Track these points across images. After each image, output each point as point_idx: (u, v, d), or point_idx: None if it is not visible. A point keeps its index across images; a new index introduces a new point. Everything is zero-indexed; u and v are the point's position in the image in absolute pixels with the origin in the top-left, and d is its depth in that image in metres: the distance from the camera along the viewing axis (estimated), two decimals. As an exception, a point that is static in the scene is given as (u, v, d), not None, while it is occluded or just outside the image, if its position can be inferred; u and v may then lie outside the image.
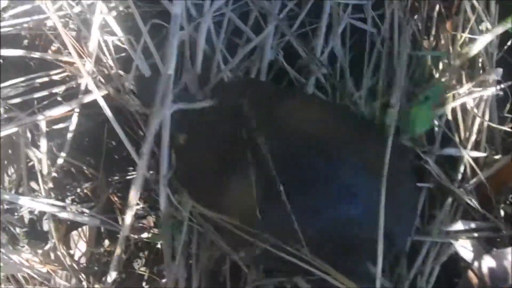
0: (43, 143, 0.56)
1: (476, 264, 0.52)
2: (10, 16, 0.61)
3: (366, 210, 0.46)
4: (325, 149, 0.47)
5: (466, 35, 0.53)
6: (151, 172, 0.58)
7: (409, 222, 0.50)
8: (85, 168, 0.64)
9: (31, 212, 0.64)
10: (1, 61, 0.66)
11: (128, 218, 0.50)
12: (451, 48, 0.57)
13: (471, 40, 0.55)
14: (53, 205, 0.53)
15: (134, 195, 0.49)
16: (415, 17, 0.60)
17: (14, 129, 0.53)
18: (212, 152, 0.50)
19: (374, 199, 0.46)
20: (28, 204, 0.51)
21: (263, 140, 0.46)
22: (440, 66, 0.57)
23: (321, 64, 0.57)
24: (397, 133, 0.52)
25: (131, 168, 0.64)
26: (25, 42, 0.69)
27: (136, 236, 0.60)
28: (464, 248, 0.52)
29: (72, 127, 0.59)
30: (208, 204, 0.50)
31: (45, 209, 0.52)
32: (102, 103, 0.54)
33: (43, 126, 0.55)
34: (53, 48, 0.68)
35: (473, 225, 0.53)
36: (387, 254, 0.48)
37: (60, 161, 0.61)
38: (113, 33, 0.60)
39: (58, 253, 0.59)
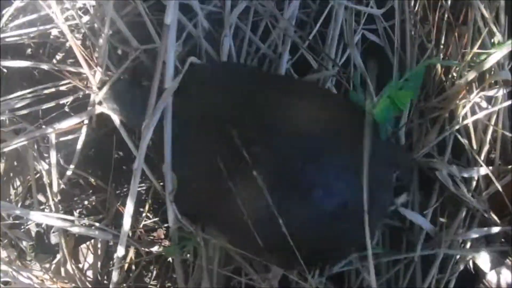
0: (53, 155, 0.55)
1: (490, 275, 0.52)
2: (15, 26, 0.59)
3: (344, 201, 0.45)
4: (307, 141, 0.46)
5: (475, 50, 0.53)
6: (161, 183, 0.58)
7: (382, 206, 0.49)
8: (92, 179, 0.63)
9: (38, 225, 0.63)
10: (5, 71, 0.64)
11: (123, 238, 0.49)
12: (460, 57, 0.57)
13: (482, 50, 0.55)
14: (63, 219, 0.51)
15: (128, 214, 0.49)
16: (425, 27, 0.60)
17: (24, 142, 0.52)
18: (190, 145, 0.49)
19: (353, 190, 0.45)
20: (39, 219, 0.50)
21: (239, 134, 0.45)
22: (450, 75, 0.57)
23: (335, 64, 0.56)
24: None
25: (140, 179, 0.63)
26: (29, 51, 0.68)
27: (146, 249, 0.59)
28: (479, 259, 0.52)
29: (81, 139, 0.58)
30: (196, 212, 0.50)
31: (56, 224, 0.51)
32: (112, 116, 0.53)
33: (52, 138, 0.54)
34: (57, 57, 0.67)
35: (487, 234, 0.53)
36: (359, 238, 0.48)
37: (68, 173, 0.60)
38: (122, 42, 0.59)
39: (68, 267, 0.58)
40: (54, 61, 0.66)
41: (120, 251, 0.48)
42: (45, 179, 0.57)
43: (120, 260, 0.47)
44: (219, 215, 0.48)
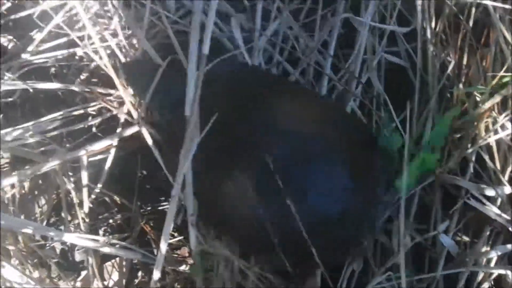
0: (84, 176, 0.56)
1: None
2: (46, 49, 0.61)
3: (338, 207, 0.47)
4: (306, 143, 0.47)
5: (502, 73, 0.54)
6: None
7: (377, 213, 0.51)
8: (117, 198, 0.64)
9: (63, 243, 0.64)
10: (31, 90, 0.65)
11: (160, 260, 0.49)
12: (483, 79, 0.58)
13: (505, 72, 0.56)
14: (94, 240, 0.52)
15: (165, 237, 0.48)
16: (447, 49, 0.61)
17: (57, 165, 0.52)
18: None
19: (348, 194, 0.47)
20: (72, 241, 0.50)
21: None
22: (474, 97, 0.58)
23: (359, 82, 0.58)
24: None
25: (163, 198, 0.64)
26: (52, 70, 0.69)
27: (171, 268, 0.60)
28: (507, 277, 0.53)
29: (110, 159, 0.59)
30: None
31: (88, 245, 0.52)
32: (146, 134, 0.54)
33: (84, 160, 0.55)
34: (81, 77, 0.68)
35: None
36: (357, 242, 0.50)
37: (95, 191, 0.61)
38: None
39: (94, 285, 0.58)
40: (79, 80, 0.67)
41: (156, 274, 0.48)
42: (74, 199, 0.58)
43: (155, 282, 0.48)
44: (221, 217, 0.49)
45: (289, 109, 0.49)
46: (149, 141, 0.54)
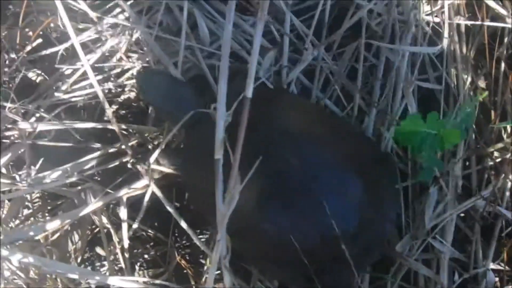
0: (124, 215, 0.56)
1: None
2: (78, 87, 0.61)
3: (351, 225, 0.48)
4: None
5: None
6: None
7: (385, 234, 0.52)
8: (152, 232, 0.63)
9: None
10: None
11: None
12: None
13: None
14: (137, 281, 0.52)
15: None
16: (479, 74, 0.62)
17: (99, 206, 0.52)
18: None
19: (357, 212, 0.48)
20: (116, 283, 0.50)
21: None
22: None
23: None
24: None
25: (198, 230, 0.64)
26: (81, 103, 0.69)
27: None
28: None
29: (147, 197, 0.58)
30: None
31: (132, 287, 0.51)
32: (155, 189, 0.54)
33: (124, 199, 0.55)
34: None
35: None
36: (365, 263, 0.51)
37: (134, 226, 0.60)
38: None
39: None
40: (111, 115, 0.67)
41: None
42: (114, 237, 0.58)
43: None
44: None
45: (319, 132, 0.51)
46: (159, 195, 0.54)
